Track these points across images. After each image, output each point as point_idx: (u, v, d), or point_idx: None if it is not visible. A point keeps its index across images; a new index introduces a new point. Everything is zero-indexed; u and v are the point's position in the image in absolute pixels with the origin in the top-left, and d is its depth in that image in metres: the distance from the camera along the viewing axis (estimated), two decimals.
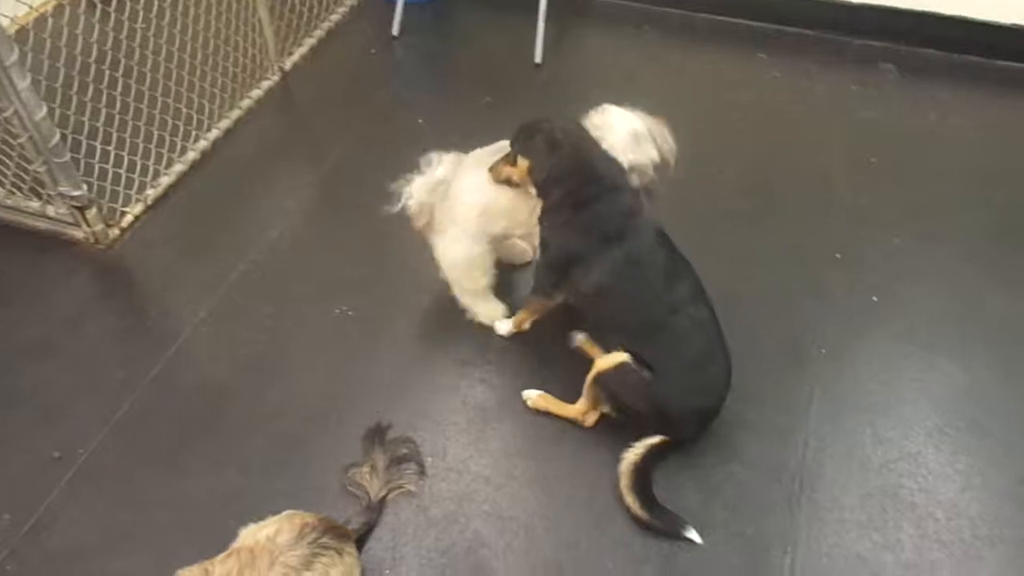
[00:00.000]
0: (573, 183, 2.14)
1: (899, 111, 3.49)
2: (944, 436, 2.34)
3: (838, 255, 2.85)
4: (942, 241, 2.91)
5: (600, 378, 2.19)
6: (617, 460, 2.19)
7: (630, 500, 2.12)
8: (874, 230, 2.95)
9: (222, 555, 1.72)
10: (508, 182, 2.29)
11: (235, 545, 1.77)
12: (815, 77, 3.68)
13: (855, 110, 3.49)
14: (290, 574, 1.69)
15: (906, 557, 2.09)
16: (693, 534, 2.08)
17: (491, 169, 2.30)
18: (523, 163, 2.20)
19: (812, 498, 2.20)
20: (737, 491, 2.21)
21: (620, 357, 2.15)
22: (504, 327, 2.58)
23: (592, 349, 2.41)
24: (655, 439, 2.18)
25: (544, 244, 2.27)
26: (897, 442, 2.33)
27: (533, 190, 2.24)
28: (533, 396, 2.40)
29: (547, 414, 2.38)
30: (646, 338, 2.16)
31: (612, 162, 2.20)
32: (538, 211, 2.25)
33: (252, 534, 1.78)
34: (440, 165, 2.38)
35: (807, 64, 3.74)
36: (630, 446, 2.18)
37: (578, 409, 2.32)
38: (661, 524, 2.10)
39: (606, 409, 2.27)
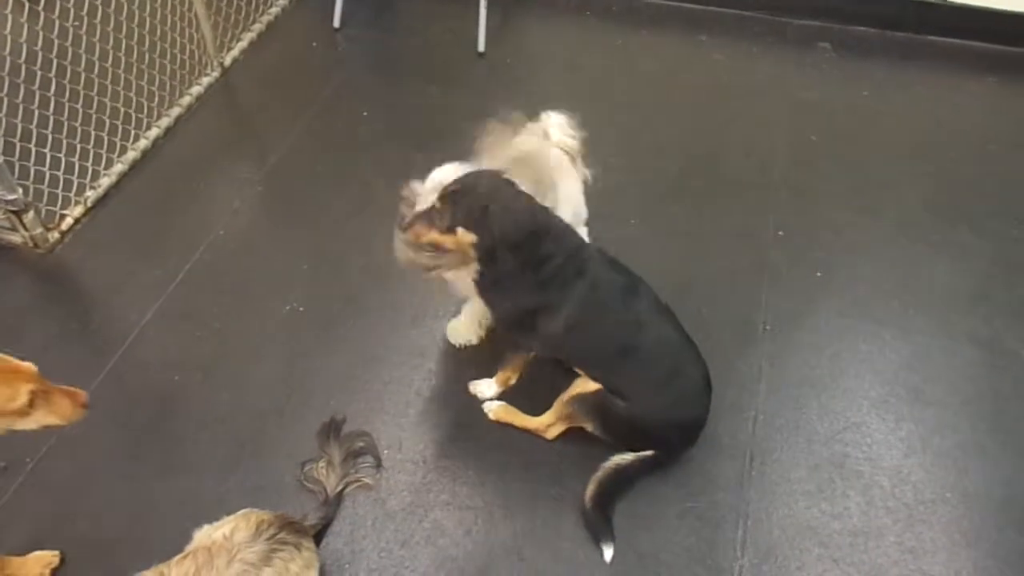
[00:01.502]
0: (528, 247, 1.98)
1: (837, 89, 3.56)
2: (887, 405, 2.42)
3: (781, 232, 2.91)
4: (881, 215, 2.99)
5: (578, 400, 2.16)
6: (572, 446, 2.23)
7: (590, 488, 2.13)
8: (816, 207, 3.02)
9: (178, 557, 1.71)
10: (430, 248, 2.04)
11: (190, 547, 1.75)
12: (756, 58, 3.74)
13: (795, 90, 3.55)
14: (249, 571, 1.68)
15: (853, 524, 2.15)
16: (607, 553, 2.07)
17: (407, 230, 2.03)
18: (466, 236, 1.98)
19: (762, 472, 2.25)
20: (689, 468, 2.25)
21: (596, 385, 2.13)
22: (489, 390, 2.42)
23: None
24: (647, 452, 2.17)
25: (497, 305, 2.16)
26: (842, 413, 2.39)
27: (472, 258, 2.04)
28: (494, 408, 2.37)
29: (509, 426, 2.35)
30: (615, 367, 2.12)
31: (545, 209, 2.06)
32: (476, 274, 2.09)
33: (207, 534, 1.77)
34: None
35: (748, 45, 3.80)
36: (622, 453, 2.17)
37: (542, 422, 2.28)
38: (592, 522, 2.11)
39: (588, 427, 2.21)
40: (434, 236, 2.00)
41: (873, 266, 2.81)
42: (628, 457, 2.16)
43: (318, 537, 1.98)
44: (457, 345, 2.54)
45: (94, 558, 2.08)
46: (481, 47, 3.73)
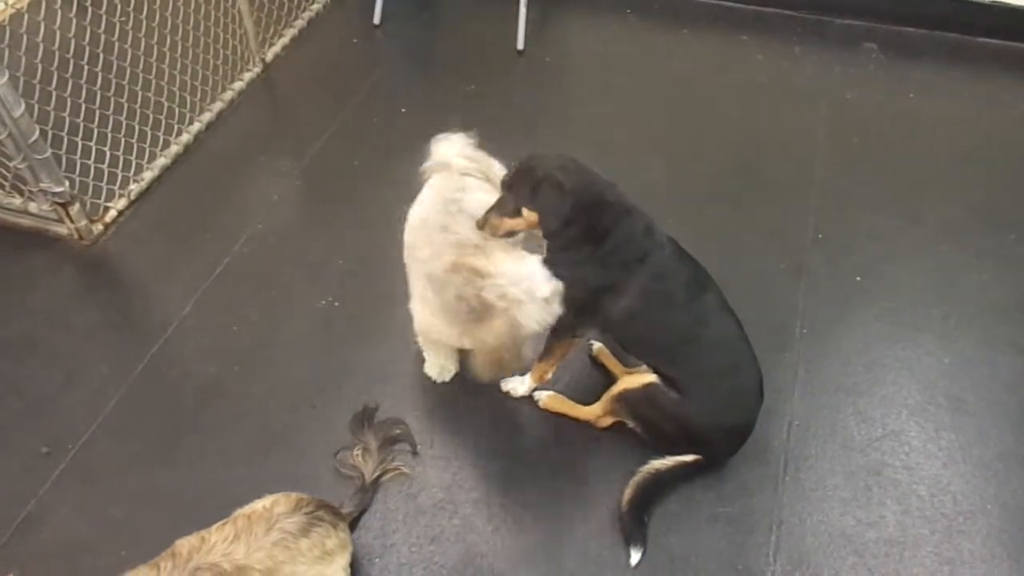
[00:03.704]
0: (588, 220, 2.02)
1: (881, 91, 3.50)
2: (926, 413, 2.37)
3: (820, 235, 2.87)
4: (924, 220, 2.93)
5: (625, 396, 2.16)
6: (604, 447, 2.23)
7: (627, 492, 2.11)
8: (857, 210, 2.97)
9: (219, 523, 1.75)
10: (509, 234, 2.10)
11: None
12: (798, 58, 3.69)
13: (838, 90, 3.50)
14: (287, 539, 1.72)
15: (889, 533, 2.11)
16: (634, 556, 2.05)
17: (484, 226, 2.08)
18: (531, 215, 2.04)
19: (796, 478, 2.23)
20: (721, 472, 2.23)
21: (648, 377, 2.12)
22: (522, 387, 2.39)
23: (609, 361, 2.42)
24: (688, 456, 2.14)
25: (566, 281, 2.07)
26: (880, 420, 2.35)
27: (541, 236, 2.11)
28: (544, 397, 2.36)
29: (559, 416, 2.34)
30: (674, 356, 2.11)
31: (614, 186, 2.10)
32: (547, 252, 2.12)
33: (248, 507, 1.81)
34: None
35: (790, 46, 3.75)
36: (662, 457, 2.15)
37: (593, 412, 2.27)
38: (625, 525, 2.09)
39: (631, 424, 2.21)
40: (507, 223, 2.07)
41: (914, 272, 2.76)
42: (668, 462, 2.14)
43: (352, 525, 2.01)
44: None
45: (131, 543, 2.12)
46: (520, 45, 3.73)
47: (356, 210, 3.03)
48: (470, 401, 2.43)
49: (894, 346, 2.54)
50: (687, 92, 3.55)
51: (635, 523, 2.09)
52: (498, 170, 2.29)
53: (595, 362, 2.48)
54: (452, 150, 2.29)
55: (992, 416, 2.36)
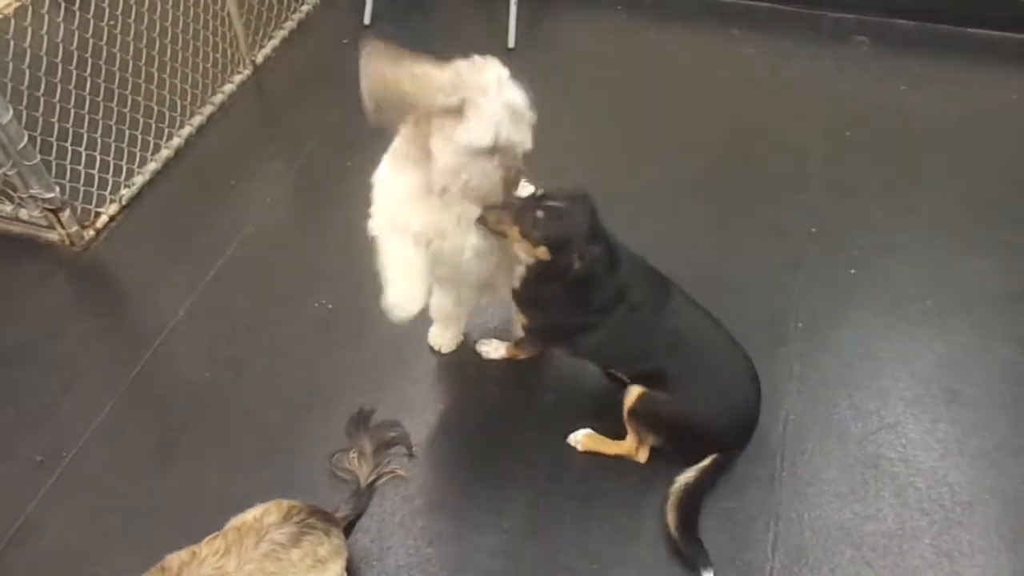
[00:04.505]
0: (593, 283, 1.99)
1: (873, 84, 3.49)
2: (923, 406, 2.37)
3: (814, 229, 2.86)
4: (919, 212, 2.93)
5: (632, 414, 2.13)
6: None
7: (670, 515, 2.08)
8: (851, 203, 2.97)
9: (209, 537, 1.74)
10: (500, 234, 2.00)
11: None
12: (790, 52, 3.68)
13: (830, 84, 3.49)
14: (278, 551, 1.71)
15: (887, 526, 2.11)
16: (709, 574, 2.00)
17: (489, 218, 1.97)
18: (542, 252, 1.96)
19: (793, 472, 2.22)
20: None
21: (636, 390, 2.10)
22: (496, 352, 2.46)
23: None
24: (705, 461, 2.12)
25: (532, 318, 2.14)
26: (876, 413, 2.35)
27: (528, 266, 2.03)
28: (580, 437, 2.29)
29: (597, 454, 2.28)
30: (648, 360, 2.10)
31: (617, 245, 2.05)
32: (518, 283, 2.09)
33: (239, 518, 1.80)
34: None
35: (781, 39, 3.74)
36: (683, 471, 2.13)
37: (628, 445, 2.23)
38: (686, 551, 2.03)
39: (656, 442, 2.19)
40: (514, 234, 1.96)
41: (910, 264, 2.76)
42: (691, 473, 2.11)
43: (348, 529, 2.00)
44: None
45: (127, 552, 2.11)
46: (511, 43, 3.72)
47: (349, 211, 2.99)
48: (468, 402, 2.43)
49: (890, 339, 2.54)
50: (679, 87, 3.54)
51: (693, 543, 2.03)
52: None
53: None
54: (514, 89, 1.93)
55: (989, 407, 2.36)
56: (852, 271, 2.74)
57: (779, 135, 3.27)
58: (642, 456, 2.22)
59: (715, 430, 2.14)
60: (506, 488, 2.22)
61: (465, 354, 2.53)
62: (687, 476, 2.11)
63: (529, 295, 2.10)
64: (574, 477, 2.24)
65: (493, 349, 2.48)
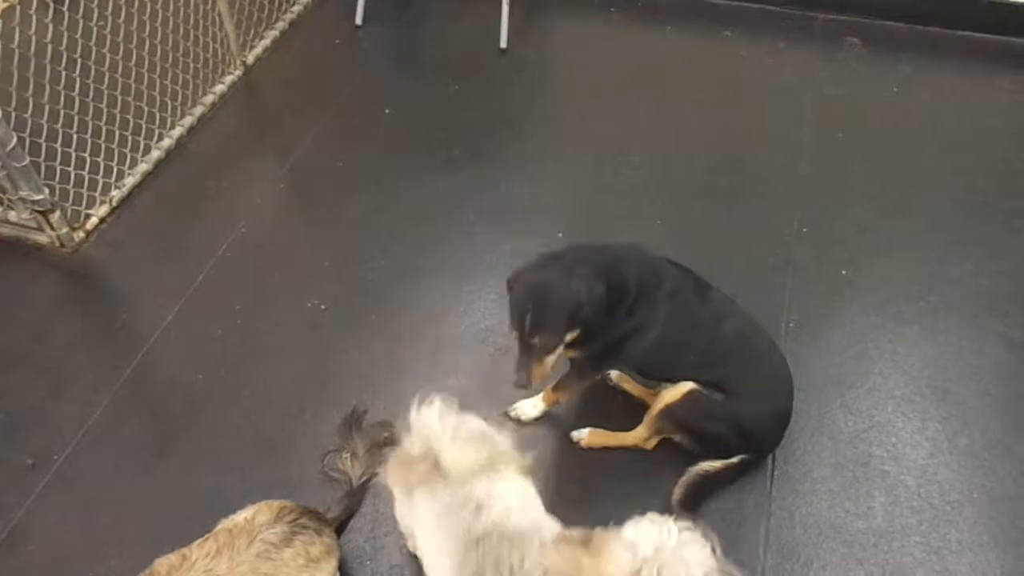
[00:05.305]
0: (616, 295, 1.98)
1: (865, 85, 3.51)
2: (913, 405, 2.38)
3: (805, 230, 2.87)
4: (910, 212, 2.94)
5: (669, 411, 2.12)
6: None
7: (677, 492, 2.11)
8: (843, 204, 2.98)
9: (199, 540, 1.73)
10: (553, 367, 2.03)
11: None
12: (782, 53, 3.69)
13: (822, 85, 3.50)
14: (270, 551, 1.70)
15: (878, 524, 2.12)
16: None
17: (530, 380, 1.98)
18: (571, 335, 1.97)
19: (785, 471, 2.23)
20: None
21: (687, 386, 2.09)
22: (533, 411, 2.35)
23: (629, 384, 2.39)
24: (735, 459, 2.13)
25: (592, 351, 2.10)
26: (867, 412, 2.36)
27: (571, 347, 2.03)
28: (584, 435, 2.30)
29: (604, 450, 2.29)
30: (707, 361, 2.10)
31: (607, 248, 2.07)
32: (578, 352, 2.09)
33: (230, 520, 1.80)
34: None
35: (774, 41, 3.75)
36: (710, 460, 2.15)
37: (639, 436, 2.24)
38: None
39: (677, 438, 2.19)
40: (550, 361, 1.98)
41: (900, 265, 2.77)
42: (716, 464, 2.13)
43: (340, 529, 2.00)
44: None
45: (120, 553, 2.10)
46: (503, 43, 3.72)
47: (341, 212, 3.02)
48: (461, 400, 2.41)
49: (881, 338, 2.55)
50: (671, 89, 3.55)
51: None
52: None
53: (616, 388, 2.43)
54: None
55: (978, 406, 2.37)
56: (843, 271, 2.75)
57: (771, 136, 3.28)
58: (651, 445, 2.24)
59: (764, 428, 2.15)
60: None
61: (458, 355, 2.53)
62: (711, 465, 2.13)
63: (591, 350, 2.09)
64: (568, 473, 2.24)
65: (530, 407, 2.36)
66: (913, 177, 3.08)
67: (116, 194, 3.06)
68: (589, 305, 1.92)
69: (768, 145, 3.25)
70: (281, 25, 3.88)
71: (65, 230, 2.87)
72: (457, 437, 1.62)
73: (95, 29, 3.09)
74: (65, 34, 3.05)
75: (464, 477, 1.58)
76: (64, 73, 2.97)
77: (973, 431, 2.32)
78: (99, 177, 3.03)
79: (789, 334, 2.55)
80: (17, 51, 2.74)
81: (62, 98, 2.96)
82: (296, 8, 3.98)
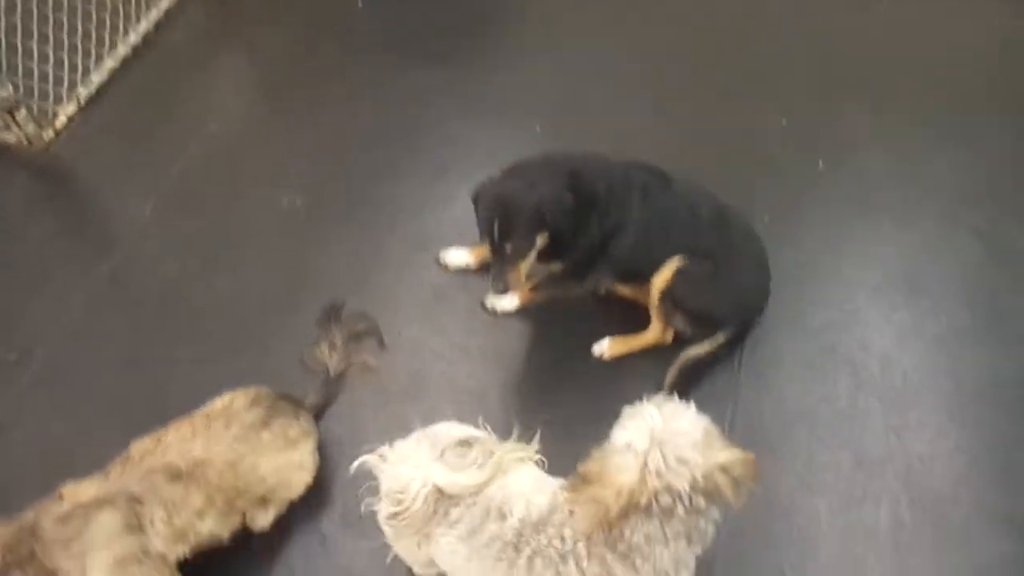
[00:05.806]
0: (586, 199, 2.04)
1: None
2: (882, 293, 2.42)
3: (784, 122, 2.86)
4: (893, 109, 2.93)
5: (665, 292, 2.17)
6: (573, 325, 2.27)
7: (670, 375, 2.20)
8: (825, 100, 2.95)
9: (176, 423, 1.77)
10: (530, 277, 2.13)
11: None
12: None
13: None
14: (248, 433, 1.75)
15: (841, 407, 2.20)
16: None
17: (507, 287, 2.07)
18: (542, 240, 2.03)
19: (752, 356, 2.29)
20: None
21: (673, 264, 2.15)
22: (509, 304, 2.40)
23: (621, 289, 2.38)
24: (720, 338, 2.22)
25: (567, 254, 2.16)
26: (837, 304, 2.41)
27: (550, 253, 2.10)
28: (605, 346, 2.32)
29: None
30: (692, 239, 2.17)
31: (570, 157, 2.12)
32: (559, 266, 2.17)
33: (208, 406, 1.84)
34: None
35: None
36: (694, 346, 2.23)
37: (654, 333, 2.29)
38: None
39: (680, 323, 2.23)
40: (524, 267, 2.05)
41: (879, 158, 2.77)
42: (704, 347, 2.21)
43: (317, 417, 2.04)
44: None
45: (106, 440, 2.14)
46: None
47: (316, 109, 2.97)
48: (438, 294, 2.45)
49: (855, 231, 2.58)
50: None
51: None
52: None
53: (609, 298, 2.42)
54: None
55: (947, 294, 2.42)
56: (820, 165, 2.75)
57: (764, 34, 3.23)
58: (669, 338, 2.29)
59: (747, 303, 2.26)
60: (476, 374, 2.28)
61: (437, 250, 2.54)
62: (698, 349, 2.21)
63: (572, 258, 2.16)
64: (543, 353, 2.30)
65: (507, 301, 2.39)
66: (899, 73, 3.05)
67: (83, 91, 2.99)
68: (553, 206, 1.98)
69: (761, 45, 3.20)
70: None
71: (32, 128, 2.81)
72: (456, 467, 1.57)
73: None
74: None
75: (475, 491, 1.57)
76: None
77: (940, 318, 2.37)
78: (64, 74, 2.95)
79: (764, 228, 2.55)
80: None
81: None
82: None
